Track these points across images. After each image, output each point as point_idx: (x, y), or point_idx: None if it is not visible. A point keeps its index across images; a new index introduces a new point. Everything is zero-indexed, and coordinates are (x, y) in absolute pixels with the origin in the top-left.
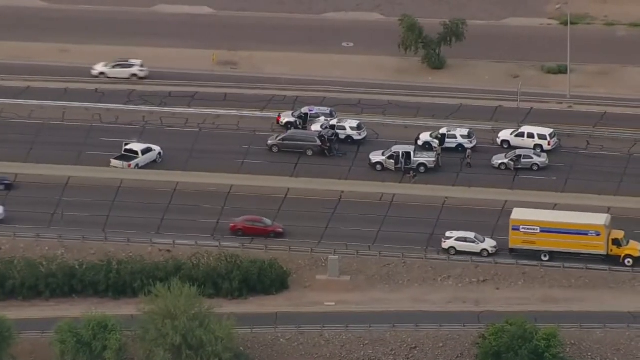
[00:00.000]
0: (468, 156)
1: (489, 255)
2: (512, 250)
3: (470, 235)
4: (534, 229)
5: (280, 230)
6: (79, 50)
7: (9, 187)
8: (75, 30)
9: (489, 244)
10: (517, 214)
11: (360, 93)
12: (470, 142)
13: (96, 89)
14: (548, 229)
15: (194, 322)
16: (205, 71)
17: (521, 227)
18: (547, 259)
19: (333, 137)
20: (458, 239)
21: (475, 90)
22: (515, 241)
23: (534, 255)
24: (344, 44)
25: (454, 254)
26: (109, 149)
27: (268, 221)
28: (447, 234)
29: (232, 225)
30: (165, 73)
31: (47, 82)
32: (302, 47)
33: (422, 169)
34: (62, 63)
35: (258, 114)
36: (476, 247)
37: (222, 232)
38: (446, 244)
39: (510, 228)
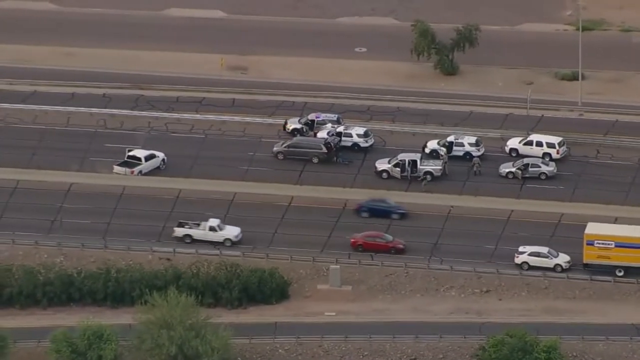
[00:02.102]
0: (474, 164)
1: (562, 270)
2: (586, 266)
3: (544, 250)
4: (608, 244)
5: (401, 246)
6: (86, 54)
7: (402, 215)
8: (83, 33)
9: (562, 259)
10: (592, 228)
11: (370, 99)
12: (478, 150)
13: (103, 94)
14: (623, 244)
15: (190, 332)
16: (214, 76)
17: (595, 242)
18: (621, 274)
19: (332, 144)
20: (531, 254)
21: (487, 97)
22: (590, 256)
23: (609, 270)
24: (357, 49)
25: (526, 269)
26: (113, 155)
27: (389, 237)
28: (520, 248)
29: (352, 240)
30: (174, 78)
31: (54, 87)
32: (314, 52)
33: (428, 177)
34: (70, 67)
35: (265, 120)
36: (549, 262)
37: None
38: (519, 259)
39: (585, 243)
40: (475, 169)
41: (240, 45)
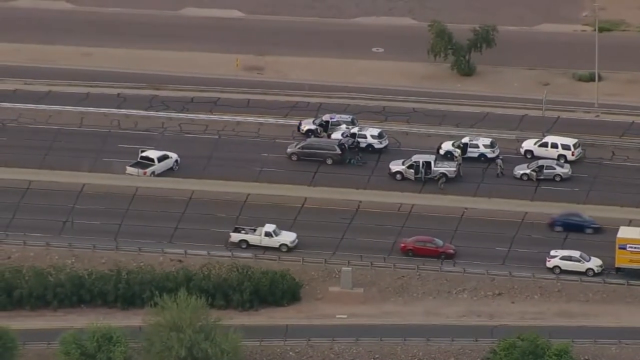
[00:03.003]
0: (497, 166)
1: (595, 274)
2: (618, 270)
3: (576, 254)
4: None
5: (452, 251)
6: (102, 54)
7: (597, 230)
8: (99, 33)
9: (594, 263)
10: (624, 232)
11: (386, 100)
12: (493, 151)
13: (118, 94)
14: None
15: (199, 334)
16: (230, 76)
17: (628, 245)
18: None
19: (354, 146)
20: (563, 258)
21: (503, 98)
22: (622, 260)
23: None
24: (374, 50)
25: (558, 273)
26: (126, 155)
27: (439, 242)
28: (552, 252)
29: (402, 245)
30: (189, 78)
31: (69, 87)
32: (330, 52)
33: (443, 179)
34: (86, 66)
35: (279, 121)
36: (581, 267)
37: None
38: (551, 263)
39: (617, 247)
40: (498, 170)
41: (256, 46)
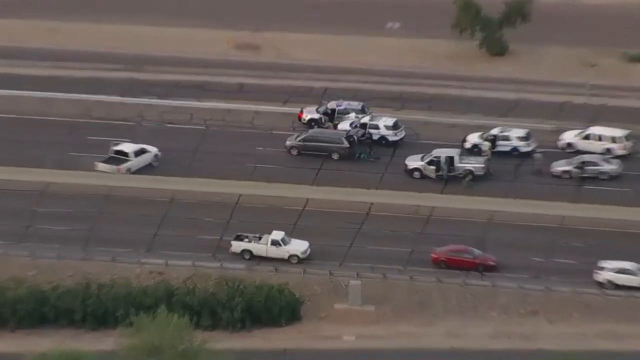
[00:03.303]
0: (536, 161)
1: None
2: None
3: (630, 266)
4: None
5: (492, 263)
6: (71, 30)
7: None
8: (68, 6)
9: None
10: None
11: (403, 84)
12: (528, 144)
13: (89, 77)
14: None
15: (182, 359)
16: (221, 56)
17: None
18: None
19: (365, 138)
20: (615, 271)
21: (541, 82)
22: None
23: None
24: (389, 25)
25: (611, 288)
26: (97, 149)
27: (477, 251)
28: (602, 264)
29: (433, 256)
30: (173, 58)
31: (30, 68)
32: (338, 28)
33: (469, 177)
34: (50, 45)
35: (278, 108)
36: (638, 281)
37: (226, 249)
38: (601, 277)
39: None
40: (536, 167)
41: (252, 21)
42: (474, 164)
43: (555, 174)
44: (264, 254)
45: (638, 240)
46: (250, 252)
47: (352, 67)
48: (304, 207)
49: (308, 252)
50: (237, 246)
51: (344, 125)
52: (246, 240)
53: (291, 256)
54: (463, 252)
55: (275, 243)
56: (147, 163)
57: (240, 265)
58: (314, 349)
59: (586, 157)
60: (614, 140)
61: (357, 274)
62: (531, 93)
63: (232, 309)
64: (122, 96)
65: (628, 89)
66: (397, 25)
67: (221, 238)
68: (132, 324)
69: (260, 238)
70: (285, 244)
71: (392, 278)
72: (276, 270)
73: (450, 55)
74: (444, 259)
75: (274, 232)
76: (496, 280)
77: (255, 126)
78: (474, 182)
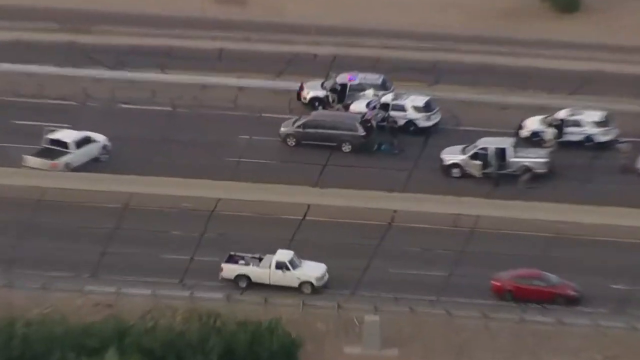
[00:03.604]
0: (621, 153)
1: None
2: None
3: None
4: None
5: (573, 293)
6: None
7: None
8: None
9: None
10: None
11: (438, 50)
12: (607, 132)
13: (16, 41)
14: None
15: None
16: (194, 13)
17: None
18: None
19: (386, 123)
20: None
21: (624, 47)
22: None
23: None
24: None
25: None
26: (26, 138)
27: (553, 278)
28: None
29: (495, 284)
30: (128, 16)
31: None
32: None
33: (527, 175)
34: None
35: (269, 83)
36: None
37: (199, 273)
38: None
39: None
40: (622, 161)
41: None
42: (534, 159)
43: None
44: (266, 281)
45: None
46: (247, 278)
47: (369, 28)
48: (304, 216)
49: (325, 278)
50: (229, 270)
51: (359, 106)
52: (242, 262)
53: (303, 284)
54: (535, 277)
55: (281, 266)
56: (92, 157)
57: (217, 295)
58: None
59: None
60: None
61: (375, 307)
62: (611, 63)
63: (206, 354)
64: (59, 66)
65: None
66: None
67: (192, 258)
68: None
69: (260, 259)
70: (294, 268)
71: (421, 312)
72: (266, 301)
73: (503, 11)
74: (510, 288)
75: (280, 251)
76: (564, 316)
77: (239, 107)
78: (533, 182)
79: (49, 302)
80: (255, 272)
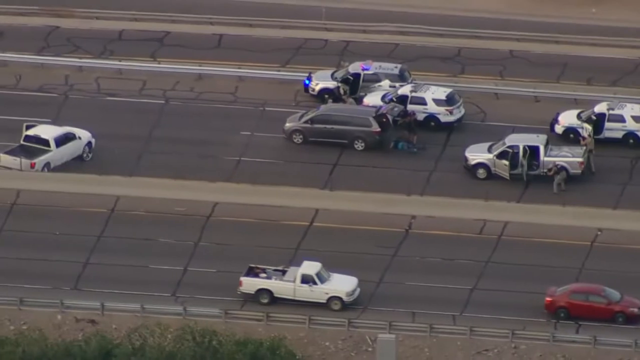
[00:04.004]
0: None
1: None
2: None
3: None
4: None
5: (636, 310)
6: None
7: None
8: None
9: None
10: None
11: (463, 37)
12: None
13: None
14: None
15: None
16: None
17: None
18: None
19: (404, 118)
20: None
21: None
22: None
23: None
24: None
25: None
26: (0, 134)
27: (614, 294)
28: None
29: (548, 300)
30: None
31: None
32: None
33: (561, 176)
34: None
35: (273, 73)
36: None
37: (193, 286)
38: None
39: None
40: None
41: None
42: (569, 158)
43: None
44: (291, 296)
45: None
46: (270, 292)
47: (385, 10)
48: (312, 221)
49: (357, 292)
50: (250, 285)
51: (374, 99)
52: (263, 275)
53: (332, 299)
54: (593, 292)
55: (307, 280)
56: (75, 155)
57: (214, 311)
58: None
59: None
60: None
61: (390, 324)
62: None
63: None
64: (38, 54)
65: None
66: None
67: (185, 269)
68: None
69: (284, 272)
70: (322, 282)
71: (442, 330)
72: (267, 317)
73: None
74: (565, 304)
75: (306, 262)
76: (600, 334)
77: (240, 99)
78: (568, 184)
79: (24, 318)
80: (279, 286)
